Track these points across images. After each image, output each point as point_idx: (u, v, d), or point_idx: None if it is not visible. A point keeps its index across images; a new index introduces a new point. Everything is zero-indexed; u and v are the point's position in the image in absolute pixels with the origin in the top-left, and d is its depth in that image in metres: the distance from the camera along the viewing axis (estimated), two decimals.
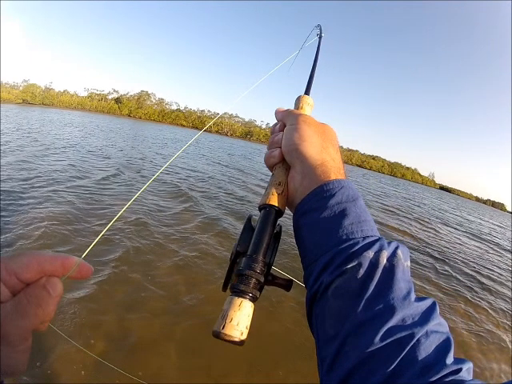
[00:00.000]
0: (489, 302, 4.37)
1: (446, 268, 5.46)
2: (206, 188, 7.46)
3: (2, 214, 3.71)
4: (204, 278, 3.13)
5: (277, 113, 0.53)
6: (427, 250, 6.43)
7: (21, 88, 58.14)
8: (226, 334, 0.32)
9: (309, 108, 0.56)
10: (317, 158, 0.42)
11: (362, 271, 0.33)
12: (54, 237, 3.35)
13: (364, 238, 0.35)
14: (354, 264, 0.33)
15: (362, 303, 0.31)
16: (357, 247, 0.34)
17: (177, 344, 2.23)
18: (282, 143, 0.46)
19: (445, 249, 7.08)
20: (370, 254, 0.34)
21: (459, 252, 7.25)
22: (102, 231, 0.55)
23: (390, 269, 0.33)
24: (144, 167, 8.77)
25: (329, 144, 0.45)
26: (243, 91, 0.74)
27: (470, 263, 6.38)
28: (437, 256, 6.12)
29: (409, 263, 0.36)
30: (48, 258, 0.28)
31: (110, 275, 2.84)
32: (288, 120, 0.49)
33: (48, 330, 1.83)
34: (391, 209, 11.57)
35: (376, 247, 0.34)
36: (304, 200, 0.41)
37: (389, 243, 0.36)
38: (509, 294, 5.05)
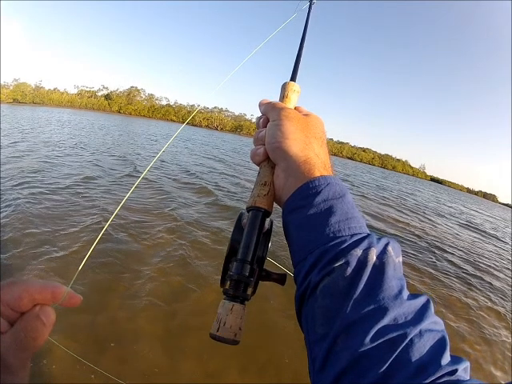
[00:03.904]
0: (488, 287, 4.69)
1: (445, 255, 5.79)
2: (221, 185, 7.73)
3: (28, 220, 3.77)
4: None
5: (260, 105, 0.50)
6: (425, 239, 6.73)
7: (11, 87, 56.87)
8: (220, 336, 0.35)
9: (295, 95, 0.53)
10: (300, 155, 0.41)
11: (349, 270, 0.32)
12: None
13: (352, 236, 0.35)
14: (341, 262, 0.33)
15: (352, 303, 0.30)
16: (344, 245, 0.34)
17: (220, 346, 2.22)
18: (265, 141, 0.45)
19: (443, 238, 7.41)
20: (358, 251, 0.33)
21: (456, 241, 7.61)
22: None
23: (380, 266, 0.32)
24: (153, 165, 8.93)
25: (312, 139, 0.44)
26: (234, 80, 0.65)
27: (468, 252, 6.72)
28: (437, 245, 6.44)
29: (401, 259, 0.35)
30: (38, 289, 0.29)
31: (152, 276, 2.91)
32: (270, 115, 0.47)
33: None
34: (386, 201, 11.86)
35: (364, 244, 0.34)
36: (290, 198, 0.40)
37: (378, 239, 0.35)
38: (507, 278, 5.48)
